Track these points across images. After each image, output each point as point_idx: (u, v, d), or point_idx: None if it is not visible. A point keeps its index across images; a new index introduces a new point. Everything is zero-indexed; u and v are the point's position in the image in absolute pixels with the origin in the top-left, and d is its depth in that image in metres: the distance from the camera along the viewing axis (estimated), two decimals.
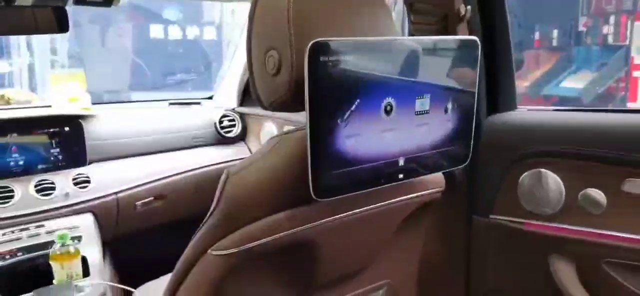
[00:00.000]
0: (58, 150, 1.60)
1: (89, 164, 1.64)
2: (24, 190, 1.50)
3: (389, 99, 0.72)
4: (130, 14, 4.63)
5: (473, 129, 0.88)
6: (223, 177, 0.75)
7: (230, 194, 0.74)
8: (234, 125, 1.96)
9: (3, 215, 1.43)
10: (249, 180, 0.75)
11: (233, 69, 2.01)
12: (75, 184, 1.58)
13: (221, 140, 1.92)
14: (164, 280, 1.35)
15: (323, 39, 0.65)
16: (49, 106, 1.67)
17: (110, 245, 1.59)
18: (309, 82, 0.65)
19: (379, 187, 0.78)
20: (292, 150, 0.75)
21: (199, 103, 2.05)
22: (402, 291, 1.04)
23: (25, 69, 4.35)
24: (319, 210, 0.76)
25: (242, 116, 1.99)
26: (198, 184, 1.78)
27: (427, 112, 0.78)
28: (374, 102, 0.71)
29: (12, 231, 1.42)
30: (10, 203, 1.46)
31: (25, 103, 1.68)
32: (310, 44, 0.64)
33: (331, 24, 0.75)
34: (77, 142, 1.62)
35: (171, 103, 1.99)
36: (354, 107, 0.69)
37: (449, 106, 0.81)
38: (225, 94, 2.05)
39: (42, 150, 1.58)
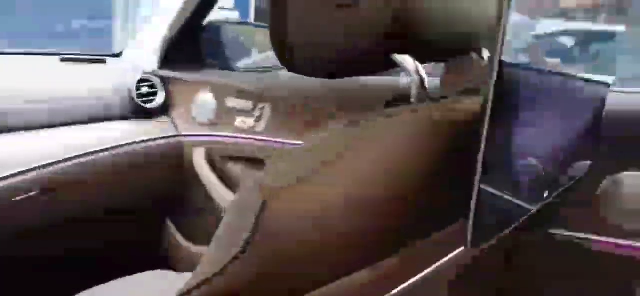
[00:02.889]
0: None
1: None
2: None
3: None
4: None
5: None
6: None
7: None
8: (154, 93, 1.48)
9: None
10: None
11: (154, 20, 1.52)
12: None
13: (136, 112, 1.44)
14: None
15: None
16: None
17: None
18: None
19: None
20: None
21: (103, 61, 1.53)
22: None
23: None
24: None
25: (165, 81, 1.51)
26: (104, 173, 1.30)
27: None
28: None
29: None
30: None
31: None
32: None
33: None
34: None
35: (63, 59, 1.44)
36: None
37: None
38: (141, 51, 1.55)
39: None
